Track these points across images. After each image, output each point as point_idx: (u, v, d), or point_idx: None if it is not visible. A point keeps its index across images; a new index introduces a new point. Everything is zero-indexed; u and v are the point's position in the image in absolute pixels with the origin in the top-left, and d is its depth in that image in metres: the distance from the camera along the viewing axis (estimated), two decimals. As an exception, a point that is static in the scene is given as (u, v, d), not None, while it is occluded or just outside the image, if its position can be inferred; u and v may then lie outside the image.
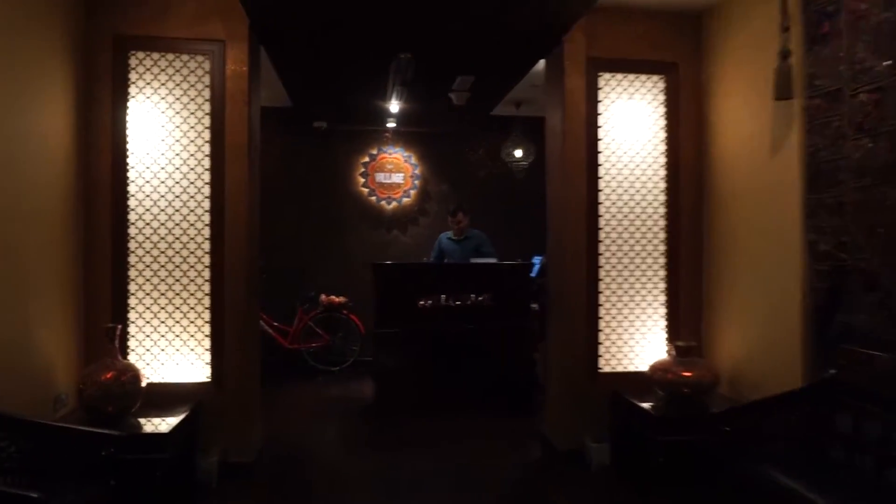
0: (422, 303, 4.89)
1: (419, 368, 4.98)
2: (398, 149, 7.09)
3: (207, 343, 3.50)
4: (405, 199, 7.11)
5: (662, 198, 3.95)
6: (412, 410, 4.91)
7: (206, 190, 3.51)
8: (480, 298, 4.98)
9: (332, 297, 6.70)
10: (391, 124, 6.85)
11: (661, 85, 3.97)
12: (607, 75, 3.92)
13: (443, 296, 4.88)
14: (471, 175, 7.30)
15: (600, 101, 3.90)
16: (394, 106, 5.82)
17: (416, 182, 7.10)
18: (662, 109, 3.96)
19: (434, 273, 5.08)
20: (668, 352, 3.90)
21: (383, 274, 4.96)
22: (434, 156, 7.21)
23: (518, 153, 6.75)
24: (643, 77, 3.95)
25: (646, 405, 3.43)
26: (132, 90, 3.45)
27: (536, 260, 6.45)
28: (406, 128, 7.06)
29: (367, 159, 7.06)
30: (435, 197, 7.22)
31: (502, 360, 5.08)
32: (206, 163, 3.51)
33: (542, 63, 4.53)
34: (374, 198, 7.07)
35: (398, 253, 7.12)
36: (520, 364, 5.15)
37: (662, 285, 3.96)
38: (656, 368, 3.54)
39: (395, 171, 7.07)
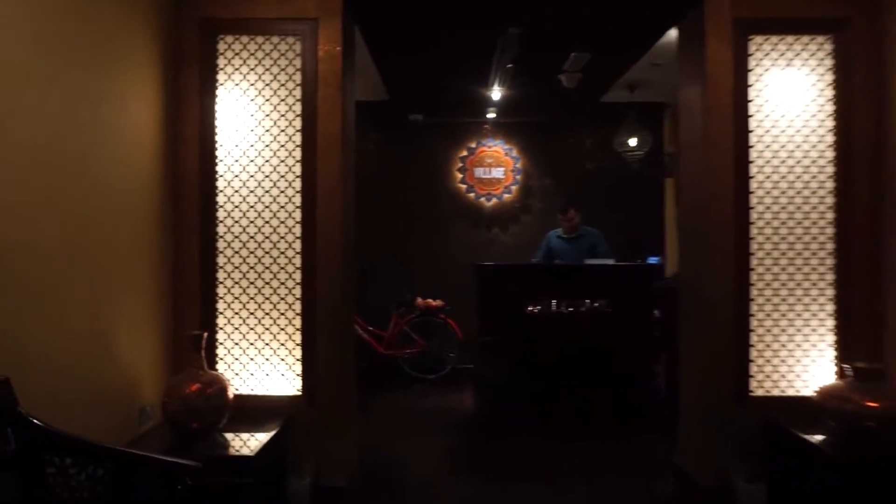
0: (530, 308, 4.41)
1: (526, 380, 4.50)
2: (498, 141, 6.64)
3: (298, 352, 3.20)
4: (506, 196, 6.64)
5: (830, 186, 3.24)
6: (519, 428, 4.43)
7: (297, 184, 3.21)
8: (596, 304, 4.43)
9: (429, 300, 6.35)
10: (491, 115, 6.41)
11: (829, 48, 3.25)
12: (759, 39, 3.26)
13: (553, 301, 4.38)
14: (577, 168, 6.71)
15: (750, 71, 3.25)
16: (495, 93, 5.38)
17: (518, 177, 6.62)
18: (830, 79, 3.24)
19: (543, 275, 4.58)
20: (840, 374, 3.18)
21: (486, 276, 4.52)
22: (537, 148, 6.69)
23: (633, 142, 6.10)
24: (805, 39, 3.26)
25: (815, 439, 2.77)
26: (220, 77, 3.22)
27: (653, 261, 5.79)
28: (507, 119, 6.60)
29: (465, 153, 6.66)
30: (538, 193, 6.70)
31: (621, 373, 4.49)
32: (298, 154, 3.21)
33: (670, 34, 3.92)
34: (472, 194, 6.66)
35: (498, 253, 6.67)
36: (641, 378, 4.54)
37: (830, 292, 3.25)
38: (828, 395, 2.85)
39: (495, 166, 6.61)
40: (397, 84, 5.74)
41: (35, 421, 1.91)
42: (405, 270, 6.70)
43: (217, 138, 3.21)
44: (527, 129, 6.68)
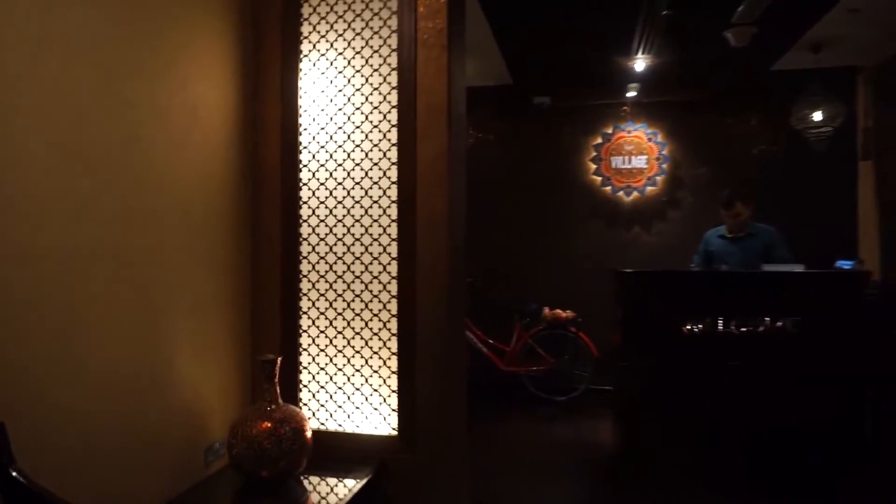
0: (688, 327, 3.50)
1: (683, 417, 3.60)
2: (640, 125, 5.69)
3: (394, 382, 2.60)
4: (649, 188, 5.68)
5: None
6: (674, 474, 3.54)
7: (393, 173, 2.61)
8: (780, 324, 3.42)
9: (557, 310, 5.56)
10: (631, 93, 5.50)
11: None
12: None
13: (719, 318, 3.44)
14: (740, 153, 5.58)
15: None
16: (639, 63, 4.51)
17: (664, 166, 5.63)
18: None
19: (706, 285, 3.64)
20: None
21: (631, 286, 3.68)
22: (687, 131, 5.66)
23: (817, 116, 4.90)
24: None
25: None
26: (304, 47, 2.70)
27: (845, 265, 4.59)
28: (651, 97, 5.64)
29: (599, 140, 5.79)
30: (689, 184, 5.67)
31: (814, 415, 3.45)
32: (393, 135, 2.61)
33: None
34: (608, 187, 5.77)
35: (640, 256, 5.72)
36: (842, 421, 3.47)
37: None
38: None
39: (637, 154, 5.68)
40: (521, 61, 5.04)
41: (26, 483, 1.45)
42: (530, 276, 5.97)
43: (301, 121, 2.70)
44: (675, 108, 5.67)
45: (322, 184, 2.69)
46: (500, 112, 5.97)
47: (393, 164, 2.61)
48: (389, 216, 2.62)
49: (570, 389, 5.48)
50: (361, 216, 2.65)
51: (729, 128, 5.57)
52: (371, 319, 2.64)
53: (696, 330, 3.49)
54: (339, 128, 2.66)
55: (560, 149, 5.90)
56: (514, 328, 5.65)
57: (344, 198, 2.66)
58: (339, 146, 2.66)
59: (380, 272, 2.63)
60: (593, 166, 5.77)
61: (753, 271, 3.78)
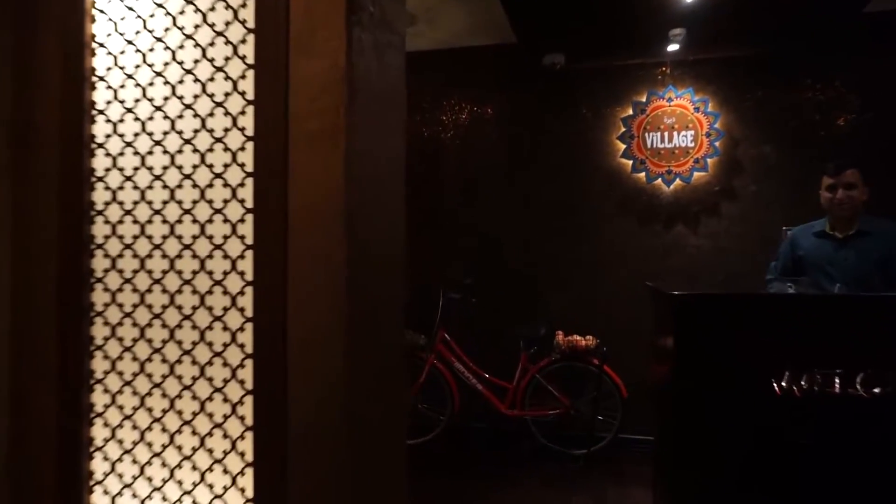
0: (782, 383, 2.23)
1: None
2: (684, 90, 4.41)
3: (248, 483, 1.39)
4: (697, 174, 4.39)
5: None
6: None
7: (248, 120, 1.40)
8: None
9: (575, 336, 4.31)
10: (673, 47, 4.23)
11: None
12: None
13: (837, 371, 2.17)
14: (818, 125, 4.27)
15: None
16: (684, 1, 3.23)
17: (717, 144, 4.33)
18: None
19: (811, 316, 2.32)
20: None
21: (688, 317, 2.41)
22: (748, 99, 4.36)
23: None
24: None
25: None
26: None
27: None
28: (698, 54, 4.37)
29: (629, 112, 4.51)
30: (751, 167, 4.37)
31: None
32: (249, 49, 1.40)
33: None
34: (642, 174, 4.49)
35: (685, 264, 4.45)
36: None
37: None
38: None
39: (680, 129, 4.40)
40: (527, 9, 3.81)
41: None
42: (539, 291, 4.73)
43: (96, 57, 1.51)
44: (731, 68, 4.38)
45: (129, 144, 1.48)
46: (501, 79, 4.74)
47: (250, 103, 1.40)
48: (243, 203, 1.40)
49: (592, 440, 4.23)
50: (194, 204, 1.44)
51: (804, 91, 4.26)
52: (209, 399, 1.42)
53: (796, 389, 2.20)
54: (160, 71, 1.46)
55: (578, 124, 4.65)
56: (518, 359, 4.41)
57: (165, 169, 1.46)
58: (160, 96, 1.46)
59: (226, 308, 1.41)
60: (622, 146, 4.51)
61: (884, 295, 2.48)
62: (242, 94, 1.40)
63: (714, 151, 4.33)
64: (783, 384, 2.23)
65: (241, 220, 1.40)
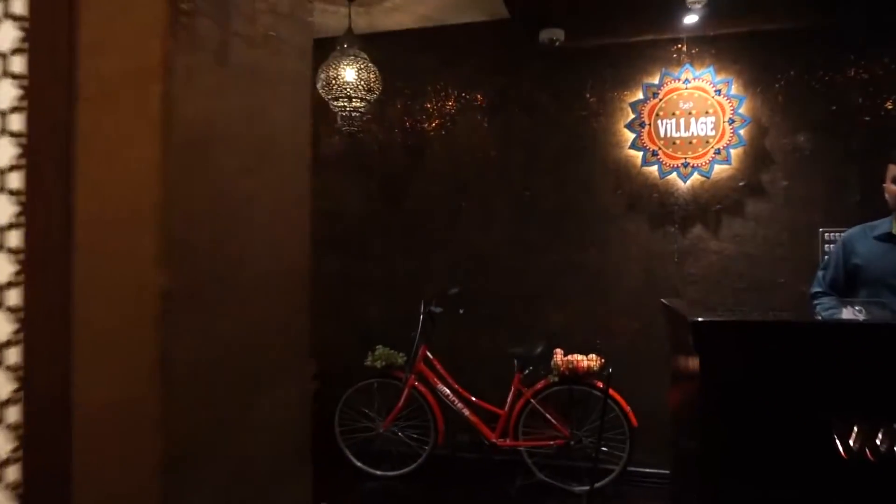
0: (851, 442, 1.64)
1: None
2: (704, 70, 3.82)
3: None
4: (719, 167, 3.80)
5: None
6: None
7: (19, 63, 0.83)
8: None
9: (575, 356, 3.74)
10: (691, 18, 3.65)
11: None
12: None
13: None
14: (861, 109, 3.67)
15: None
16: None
17: (741, 132, 3.74)
18: None
19: (872, 350, 1.74)
20: None
21: (718, 349, 1.82)
22: (778, 79, 3.77)
23: None
24: None
25: None
26: None
27: None
28: (720, 28, 3.78)
29: (639, 97, 3.93)
30: (781, 159, 3.78)
31: None
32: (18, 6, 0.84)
33: None
34: (654, 167, 3.91)
35: (705, 272, 3.87)
36: None
37: None
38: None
39: (698, 115, 3.81)
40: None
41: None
42: (535, 303, 4.16)
43: None
44: (758, 44, 3.79)
45: None
46: (492, 61, 4.19)
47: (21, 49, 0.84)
48: (11, 192, 0.84)
49: (596, 474, 3.66)
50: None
51: (845, 70, 3.67)
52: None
53: (869, 452, 1.63)
54: None
55: (580, 111, 4.08)
56: (510, 381, 3.85)
57: None
58: None
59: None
60: (630, 136, 3.94)
61: None
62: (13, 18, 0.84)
63: (738, 141, 3.74)
64: (852, 442, 1.64)
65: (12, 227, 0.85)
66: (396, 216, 4.40)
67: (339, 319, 4.49)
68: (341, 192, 4.51)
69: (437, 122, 4.33)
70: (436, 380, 3.97)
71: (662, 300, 2.48)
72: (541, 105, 4.14)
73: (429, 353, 4.00)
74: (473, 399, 3.94)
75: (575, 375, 3.72)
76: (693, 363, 1.93)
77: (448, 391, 3.96)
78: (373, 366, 4.00)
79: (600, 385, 3.70)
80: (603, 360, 3.73)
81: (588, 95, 4.06)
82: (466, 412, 3.92)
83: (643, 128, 3.90)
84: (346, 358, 4.35)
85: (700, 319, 1.83)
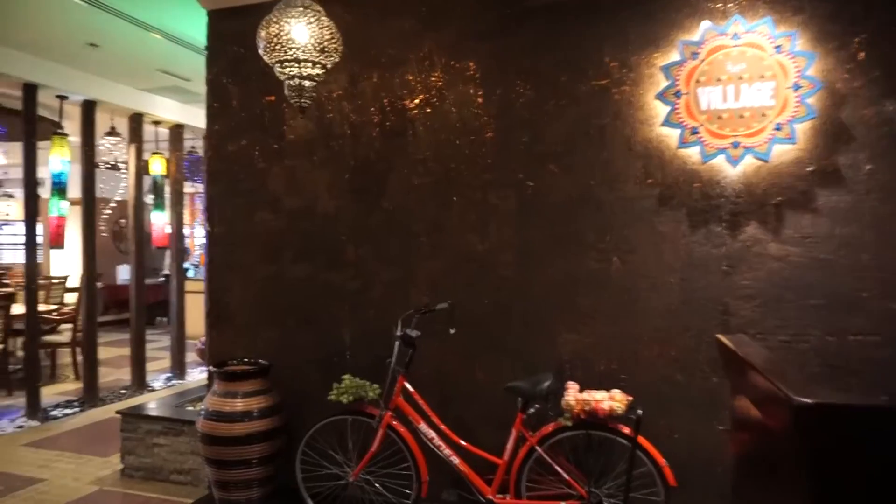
0: None
1: None
2: (758, 21, 2.93)
3: None
4: (780, 147, 2.92)
5: None
6: None
7: None
8: None
9: (593, 394, 2.90)
10: (743, -51, 2.78)
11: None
12: None
13: None
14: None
15: None
16: None
17: (810, 101, 2.85)
18: None
19: None
20: None
21: (836, 441, 0.96)
22: (858, 32, 2.86)
23: None
24: None
25: None
26: None
27: None
28: (781, -38, 2.90)
29: (674, 58, 3.06)
30: (864, 135, 2.87)
31: None
32: None
33: None
34: (694, 148, 3.03)
35: (762, 283, 3.00)
36: None
37: None
38: None
39: (751, 79, 2.93)
40: None
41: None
42: (542, 322, 3.33)
43: None
44: (830, -14, 2.89)
45: None
46: (488, 20, 3.35)
47: None
48: None
49: (620, 542, 2.83)
50: None
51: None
52: None
53: None
54: None
55: (597, 79, 3.22)
56: (511, 422, 3.02)
57: None
58: None
59: None
60: (663, 109, 3.08)
61: None
62: None
63: (806, 113, 2.85)
64: None
65: None
66: (373, 214, 3.59)
67: (306, 340, 3.71)
68: (309, 186, 3.72)
69: (420, 97, 3.50)
70: (417, 418, 3.15)
71: (720, 338, 1.64)
72: (547, 73, 3.28)
73: (408, 385, 3.18)
74: (464, 444, 3.10)
75: (593, 418, 2.87)
76: (785, 445, 1.09)
77: (433, 433, 3.13)
78: (337, 401, 3.20)
79: (627, 431, 2.85)
80: (630, 399, 2.88)
81: (607, 59, 3.19)
82: (455, 460, 3.10)
83: (679, 98, 3.02)
84: (312, 386, 3.56)
85: (810, 402, 0.99)
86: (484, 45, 3.39)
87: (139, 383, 6.43)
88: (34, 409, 5.44)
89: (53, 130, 5.77)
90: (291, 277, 3.74)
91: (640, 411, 2.77)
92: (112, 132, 6.44)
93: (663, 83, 3.06)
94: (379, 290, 3.57)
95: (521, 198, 3.34)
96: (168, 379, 6.80)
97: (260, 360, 3.68)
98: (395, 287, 3.54)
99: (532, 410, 2.98)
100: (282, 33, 2.72)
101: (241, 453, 3.34)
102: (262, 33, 2.77)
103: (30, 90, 5.42)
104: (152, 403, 4.56)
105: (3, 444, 4.76)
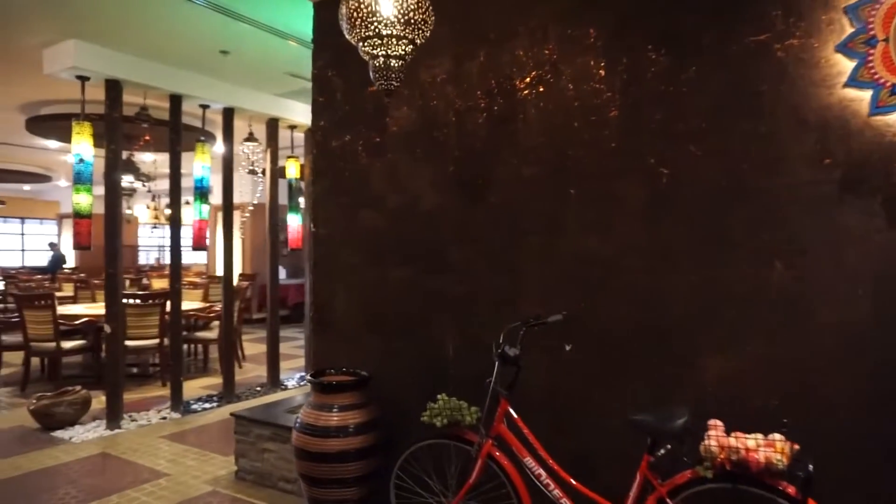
0: None
1: None
2: None
3: None
4: None
5: None
6: None
7: None
8: None
9: (743, 438, 2.23)
10: None
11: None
12: None
13: None
14: None
15: None
16: None
17: None
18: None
19: None
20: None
21: None
22: None
23: None
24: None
25: None
26: None
27: None
28: None
29: (863, -4, 2.28)
30: None
31: None
32: None
33: None
34: (893, 114, 2.24)
35: None
36: None
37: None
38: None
39: None
40: None
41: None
42: (674, 340, 2.70)
43: None
44: None
45: None
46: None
47: None
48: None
49: None
50: None
51: None
52: None
53: None
54: None
55: (753, 34, 2.52)
56: (636, 464, 2.44)
57: None
58: None
59: None
60: (847, 65, 2.31)
61: None
62: None
63: None
64: None
65: None
66: (478, 211, 3.17)
67: (407, 350, 3.38)
68: (412, 182, 3.40)
69: (532, 74, 3.02)
70: (522, 450, 2.68)
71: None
72: (686, 34, 2.65)
73: (511, 411, 2.72)
74: (577, 484, 2.58)
75: (743, 470, 2.21)
76: None
77: (540, 469, 2.64)
78: (430, 423, 2.82)
79: (790, 491, 2.15)
80: (795, 449, 2.18)
81: (770, 9, 2.50)
82: (565, 501, 2.59)
83: (873, 48, 2.25)
84: (412, 401, 3.23)
85: None
86: (606, 7, 2.84)
87: (273, 381, 6.59)
88: (177, 402, 5.72)
89: (196, 138, 6.07)
90: (393, 281, 3.44)
91: (810, 466, 2.07)
92: (250, 137, 6.70)
93: (847, 30, 2.30)
94: (484, 298, 3.15)
95: (653, 188, 2.73)
96: (301, 378, 6.92)
97: (359, 371, 3.42)
98: (502, 294, 3.09)
99: (662, 452, 2.38)
100: (362, 5, 2.40)
101: (333, 471, 3.09)
102: (343, 9, 2.47)
103: (175, 101, 5.73)
104: (271, 404, 4.52)
105: (145, 435, 5.02)
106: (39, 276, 11.38)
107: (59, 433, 5.02)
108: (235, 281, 11.58)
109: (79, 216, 5.12)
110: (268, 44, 5.19)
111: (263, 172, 6.86)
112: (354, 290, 3.61)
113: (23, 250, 18.19)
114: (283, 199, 7.09)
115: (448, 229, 3.27)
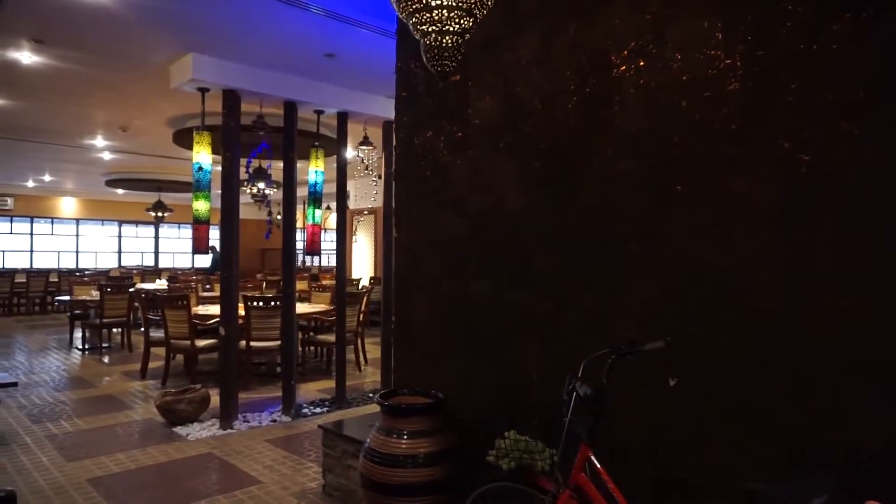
0: None
1: None
2: None
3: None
4: None
5: None
6: None
7: None
8: None
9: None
10: None
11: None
12: None
13: None
14: None
15: None
16: None
17: None
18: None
19: None
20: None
21: None
22: None
23: None
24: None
25: None
26: None
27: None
28: None
29: None
30: None
31: None
32: None
33: None
34: None
35: None
36: None
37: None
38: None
39: None
40: None
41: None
42: (816, 381, 2.01)
43: None
44: None
45: None
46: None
47: None
48: None
49: None
50: None
51: None
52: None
53: None
54: None
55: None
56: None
57: None
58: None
59: None
60: None
61: None
62: None
63: None
64: None
65: None
66: (566, 213, 2.68)
67: (487, 373, 2.95)
68: (494, 180, 2.97)
69: (630, 46, 2.47)
70: (607, 507, 2.15)
71: None
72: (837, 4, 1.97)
73: (594, 459, 2.21)
74: (676, 564, 2.01)
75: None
76: None
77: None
78: (497, 465, 2.37)
79: None
80: None
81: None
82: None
83: None
84: (489, 433, 2.80)
85: None
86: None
87: (387, 388, 6.45)
88: (289, 405, 5.75)
89: (311, 144, 6.10)
90: (474, 295, 3.04)
91: None
92: (365, 141, 6.64)
93: None
94: (573, 317, 2.64)
95: (788, 181, 2.07)
96: (415, 387, 6.72)
97: (434, 392, 3.06)
98: (594, 313, 2.56)
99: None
100: (409, -26, 2.04)
101: (398, 505, 2.76)
102: (389, -22, 2.13)
103: (289, 107, 5.78)
104: (372, 415, 4.32)
105: (252, 437, 5.07)
106: (194, 277, 12.38)
107: (179, 429, 5.22)
108: (367, 284, 11.81)
109: (198, 222, 5.31)
110: (373, 43, 5.03)
111: (379, 177, 6.77)
112: (435, 304, 3.26)
113: (180, 253, 20.22)
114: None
115: (533, 235, 2.80)
